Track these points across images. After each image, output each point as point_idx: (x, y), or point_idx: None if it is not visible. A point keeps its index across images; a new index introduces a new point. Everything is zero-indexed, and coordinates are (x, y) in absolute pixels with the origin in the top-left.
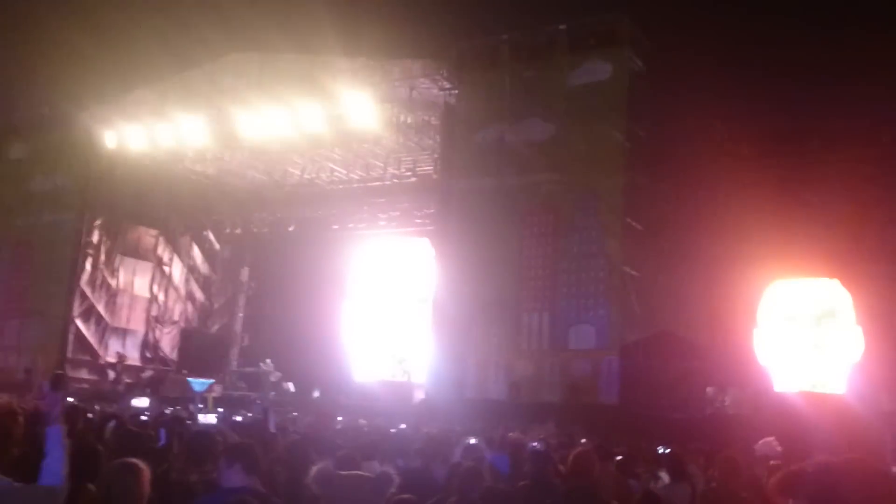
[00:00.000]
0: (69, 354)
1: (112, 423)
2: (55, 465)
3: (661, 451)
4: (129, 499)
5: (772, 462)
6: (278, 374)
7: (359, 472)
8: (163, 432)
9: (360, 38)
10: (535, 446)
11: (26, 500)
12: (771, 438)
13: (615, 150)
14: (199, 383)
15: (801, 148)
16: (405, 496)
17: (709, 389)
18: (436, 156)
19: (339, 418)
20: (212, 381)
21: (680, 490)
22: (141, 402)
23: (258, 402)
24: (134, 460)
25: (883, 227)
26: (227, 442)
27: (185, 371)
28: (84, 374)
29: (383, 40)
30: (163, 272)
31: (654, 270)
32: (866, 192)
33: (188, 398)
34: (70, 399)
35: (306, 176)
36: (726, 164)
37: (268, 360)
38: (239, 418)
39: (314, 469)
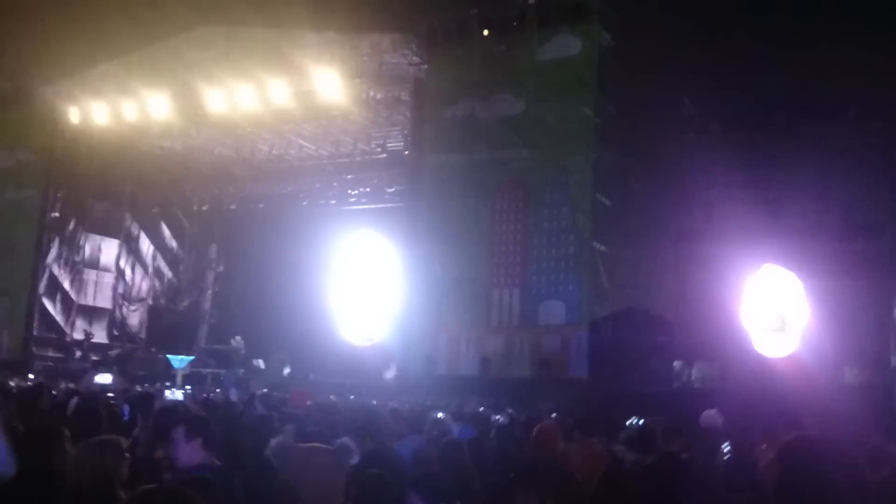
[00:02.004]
0: (35, 332)
1: (75, 400)
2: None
3: (632, 422)
4: (104, 475)
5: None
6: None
7: (317, 445)
8: (126, 408)
9: (329, 11)
10: (498, 420)
11: None
12: (713, 411)
13: (584, 125)
14: (178, 360)
15: (768, 123)
16: (374, 471)
17: (676, 363)
18: (406, 131)
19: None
20: (192, 357)
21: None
22: (104, 378)
23: (223, 379)
24: (110, 436)
25: (848, 200)
26: (186, 416)
27: (153, 349)
28: (50, 352)
29: (352, 14)
30: (129, 249)
31: (622, 246)
32: (832, 165)
33: (156, 375)
34: (31, 376)
35: (275, 152)
36: (694, 140)
37: (237, 337)
38: (208, 395)
39: (272, 442)
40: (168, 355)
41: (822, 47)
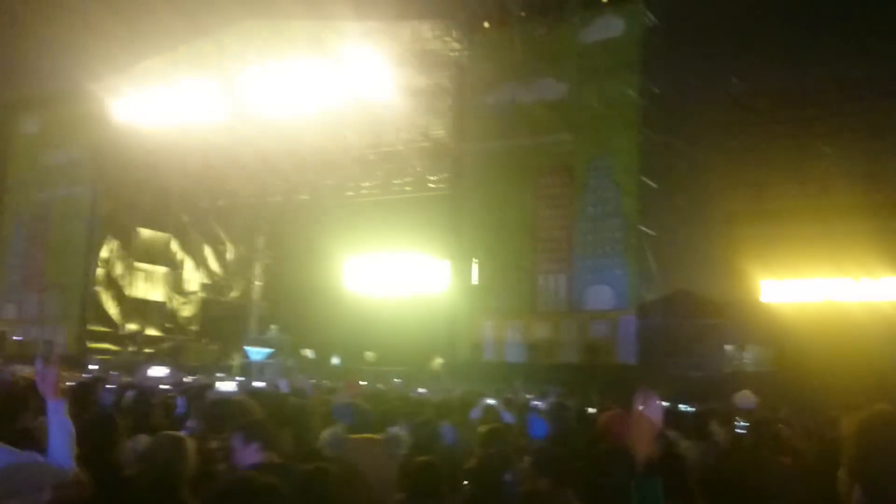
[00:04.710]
0: (89, 326)
1: (130, 393)
2: (60, 448)
3: (683, 409)
4: (170, 471)
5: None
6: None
7: (370, 436)
8: (181, 401)
9: (370, 0)
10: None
11: (32, 476)
12: (746, 391)
13: (629, 107)
14: (255, 352)
15: (818, 100)
16: (424, 458)
17: (727, 347)
18: (448, 119)
19: (363, 383)
20: (271, 350)
21: (703, 449)
22: (160, 371)
23: (271, 369)
24: (177, 434)
25: None
26: (243, 420)
27: (205, 340)
28: (105, 345)
29: (392, 2)
30: (180, 242)
31: (670, 228)
32: (882, 143)
33: (209, 367)
34: (93, 367)
35: (318, 142)
36: (742, 119)
37: (273, 327)
38: (261, 384)
39: (325, 433)
40: (246, 347)
41: (873, 22)
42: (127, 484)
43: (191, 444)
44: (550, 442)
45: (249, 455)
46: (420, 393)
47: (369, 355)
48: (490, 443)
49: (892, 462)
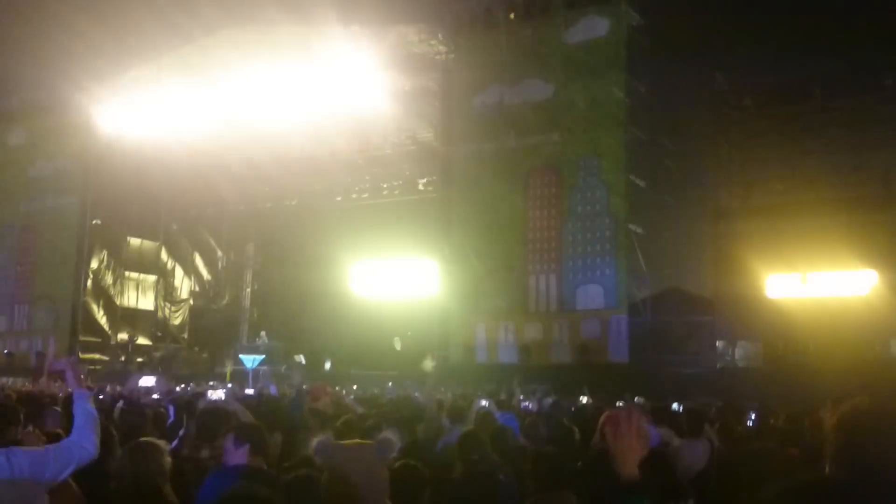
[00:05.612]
0: (80, 336)
1: (121, 403)
2: (85, 432)
3: (675, 407)
4: (150, 479)
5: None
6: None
7: (359, 441)
8: (171, 409)
9: (355, 4)
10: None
11: (62, 454)
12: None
13: (616, 107)
14: (249, 360)
15: (803, 96)
16: (404, 461)
17: (719, 343)
18: (435, 122)
19: (354, 387)
20: (263, 356)
21: (698, 447)
22: (148, 380)
23: (261, 375)
24: (152, 440)
25: (887, 170)
26: (236, 422)
27: (196, 348)
28: (95, 355)
29: (377, 6)
30: (169, 251)
31: (659, 226)
32: (868, 137)
33: (200, 375)
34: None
35: (306, 148)
36: (728, 116)
37: (262, 333)
38: (250, 391)
39: (314, 440)
40: (240, 356)
41: (856, 17)
42: (113, 496)
43: (165, 448)
44: (547, 443)
45: (239, 457)
46: (414, 397)
47: (397, 341)
48: (468, 449)
49: (873, 455)
